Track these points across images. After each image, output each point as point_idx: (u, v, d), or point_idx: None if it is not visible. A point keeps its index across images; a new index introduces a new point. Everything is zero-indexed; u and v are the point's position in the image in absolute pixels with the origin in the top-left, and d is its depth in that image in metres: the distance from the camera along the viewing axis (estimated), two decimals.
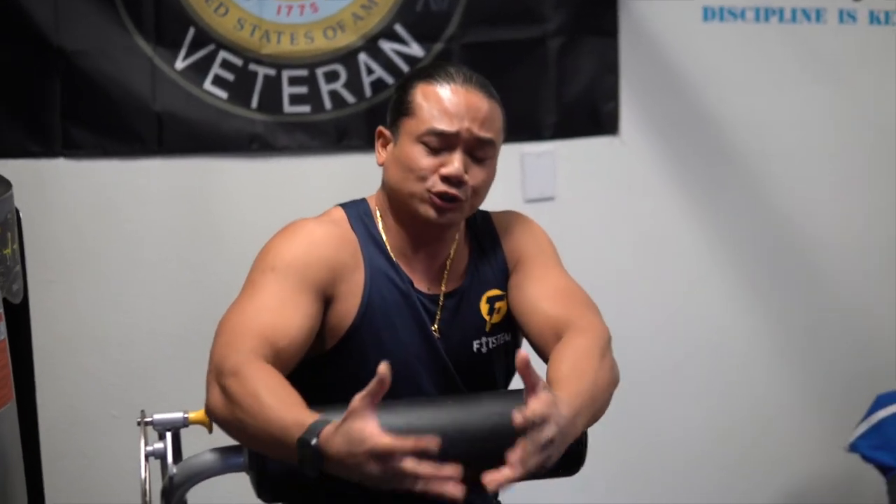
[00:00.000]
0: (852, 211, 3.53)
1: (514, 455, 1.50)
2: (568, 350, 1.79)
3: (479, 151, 1.92)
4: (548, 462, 1.54)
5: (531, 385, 1.54)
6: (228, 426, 1.69)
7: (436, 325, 1.98)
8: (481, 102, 1.92)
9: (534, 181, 3.29)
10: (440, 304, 1.98)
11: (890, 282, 3.55)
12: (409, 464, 1.46)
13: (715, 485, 3.50)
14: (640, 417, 3.32)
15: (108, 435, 3.07)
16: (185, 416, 1.87)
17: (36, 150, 3.01)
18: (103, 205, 3.07)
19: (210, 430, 1.86)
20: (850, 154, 3.50)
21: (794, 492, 3.58)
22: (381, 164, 2.00)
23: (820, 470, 3.58)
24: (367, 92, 3.16)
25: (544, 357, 1.88)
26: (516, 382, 1.72)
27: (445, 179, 1.89)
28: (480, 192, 1.95)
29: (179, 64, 3.06)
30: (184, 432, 1.89)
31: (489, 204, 2.05)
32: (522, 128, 3.22)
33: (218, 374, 1.70)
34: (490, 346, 2.01)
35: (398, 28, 3.16)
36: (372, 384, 1.48)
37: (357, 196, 2.06)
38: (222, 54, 3.08)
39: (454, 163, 1.89)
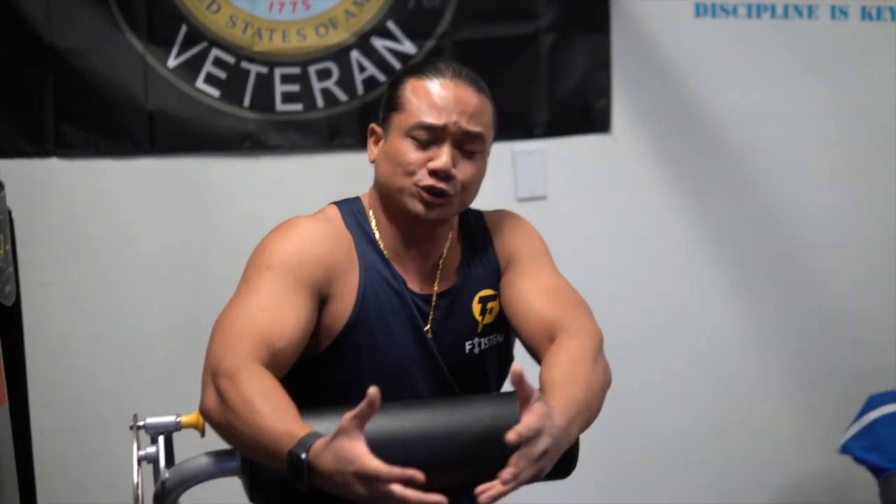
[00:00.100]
0: (846, 209, 3.52)
1: (507, 472, 1.52)
2: (561, 354, 1.79)
3: (468, 145, 1.92)
4: (542, 473, 1.56)
5: (525, 398, 1.55)
6: (222, 429, 1.68)
7: (429, 326, 1.97)
8: (470, 96, 1.92)
9: (526, 180, 3.28)
10: (433, 304, 1.98)
11: (883, 282, 3.54)
12: (397, 488, 1.46)
13: (708, 486, 3.50)
14: (631, 418, 3.31)
15: (102, 438, 3.07)
16: (178, 419, 1.86)
17: (28, 150, 3.01)
18: (96, 205, 3.07)
19: (202, 434, 1.86)
20: (843, 150, 3.49)
21: (787, 493, 3.58)
22: (373, 161, 2.00)
23: (813, 471, 3.58)
24: (360, 90, 3.15)
25: (537, 358, 1.88)
26: (510, 384, 1.72)
27: (433, 173, 1.89)
28: (470, 187, 1.94)
29: (172, 62, 3.06)
30: (176, 435, 1.89)
31: (481, 203, 2.05)
32: (514, 126, 3.21)
33: (214, 376, 1.69)
34: (482, 346, 2.01)
35: (390, 25, 3.15)
36: (362, 406, 1.47)
37: (350, 194, 2.06)
38: (214, 52, 3.07)
39: (442, 156, 1.88)
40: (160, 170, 3.08)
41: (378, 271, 1.95)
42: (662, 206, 3.40)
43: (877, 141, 3.50)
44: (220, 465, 1.81)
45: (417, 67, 1.97)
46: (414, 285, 1.97)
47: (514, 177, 3.27)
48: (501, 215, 2.11)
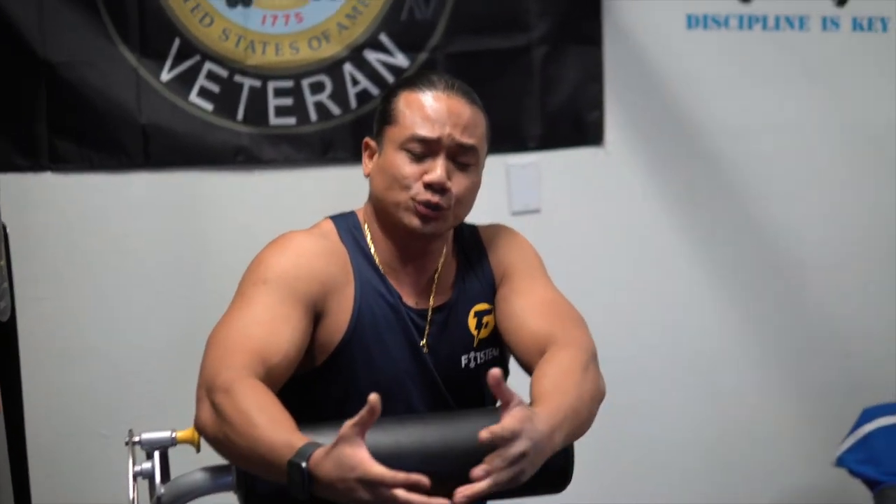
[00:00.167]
0: (840, 220, 3.53)
1: (480, 468, 1.52)
2: (551, 365, 1.79)
3: (462, 157, 1.92)
4: (521, 476, 1.56)
5: (505, 401, 1.56)
6: (218, 443, 1.68)
7: (424, 341, 1.97)
8: (463, 108, 1.92)
9: (519, 193, 3.29)
10: (428, 318, 1.98)
11: (877, 294, 3.55)
12: (401, 493, 1.47)
13: (703, 498, 3.49)
14: (626, 430, 3.31)
15: (98, 453, 3.06)
16: (173, 435, 1.85)
17: (23, 164, 3.01)
18: (91, 219, 3.07)
19: (198, 450, 1.86)
20: (835, 161, 3.50)
21: None
22: (368, 175, 2.00)
23: (808, 484, 3.58)
24: (353, 103, 3.16)
25: (530, 373, 1.87)
26: None
27: (428, 187, 1.89)
28: (465, 200, 1.94)
29: (165, 75, 3.06)
30: (172, 450, 1.88)
31: (475, 217, 2.05)
32: (507, 138, 3.21)
33: (209, 390, 1.69)
34: (478, 360, 2.01)
35: (383, 38, 3.16)
36: (363, 413, 1.48)
37: (344, 208, 2.06)
38: (207, 65, 3.08)
39: (436, 170, 1.88)
40: (154, 184, 3.08)
41: (373, 286, 1.95)
42: (656, 219, 3.40)
43: (870, 151, 3.51)
44: (216, 480, 1.81)
45: (410, 80, 1.98)
46: (409, 300, 1.97)
47: (508, 190, 3.27)
48: (496, 229, 2.11)
